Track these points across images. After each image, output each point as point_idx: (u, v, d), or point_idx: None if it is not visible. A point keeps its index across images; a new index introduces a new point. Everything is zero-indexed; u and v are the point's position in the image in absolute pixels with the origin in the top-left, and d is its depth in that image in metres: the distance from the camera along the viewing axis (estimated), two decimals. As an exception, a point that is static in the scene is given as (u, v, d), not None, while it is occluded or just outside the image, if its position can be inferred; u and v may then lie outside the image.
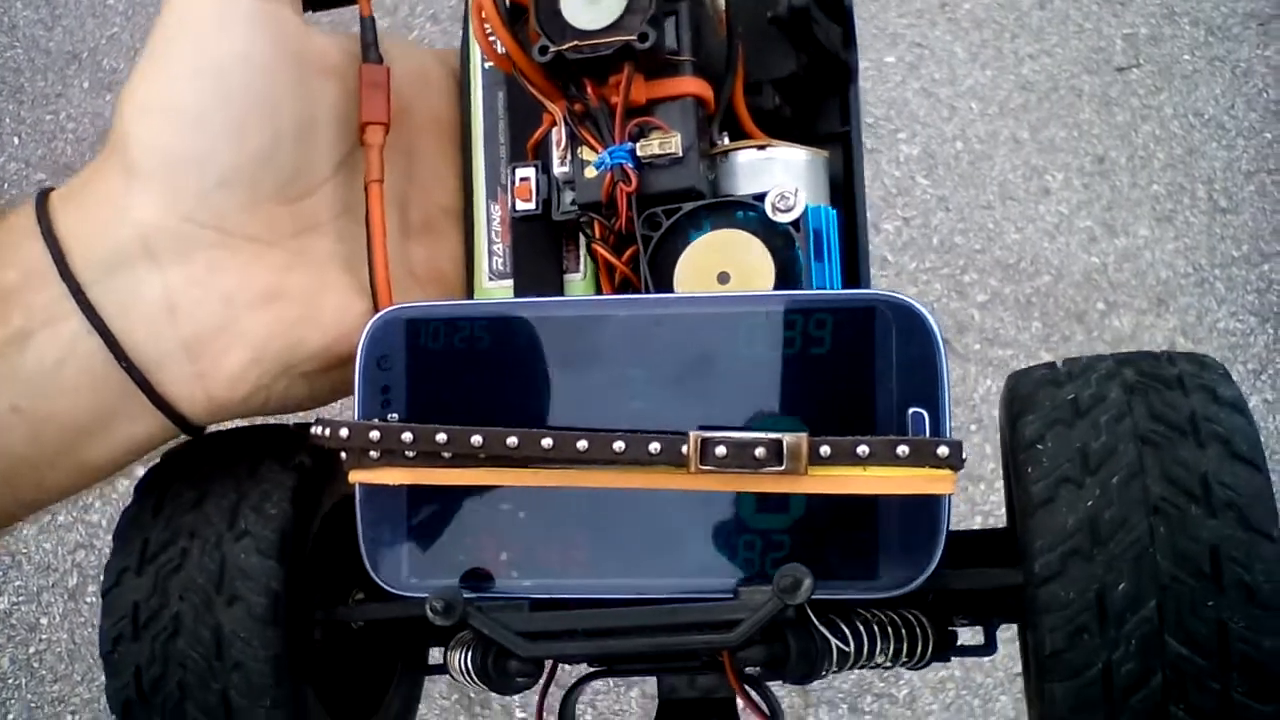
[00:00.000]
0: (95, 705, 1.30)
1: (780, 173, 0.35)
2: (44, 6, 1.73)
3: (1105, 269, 1.45)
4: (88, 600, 1.34)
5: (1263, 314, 1.41)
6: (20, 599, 1.36)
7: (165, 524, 0.36)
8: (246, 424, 0.39)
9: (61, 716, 1.30)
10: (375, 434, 0.33)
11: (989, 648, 0.37)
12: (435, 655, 0.42)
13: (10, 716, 1.31)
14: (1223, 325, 1.42)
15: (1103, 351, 1.39)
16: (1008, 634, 0.37)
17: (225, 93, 0.35)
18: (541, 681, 0.35)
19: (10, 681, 1.33)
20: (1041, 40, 1.59)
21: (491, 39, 0.35)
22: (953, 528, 0.32)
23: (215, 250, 0.35)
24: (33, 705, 1.31)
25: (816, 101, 0.39)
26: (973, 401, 1.38)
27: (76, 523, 1.36)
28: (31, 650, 1.34)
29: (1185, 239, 1.46)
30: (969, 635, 0.37)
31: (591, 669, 0.36)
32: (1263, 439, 0.30)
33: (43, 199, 0.36)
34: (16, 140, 1.64)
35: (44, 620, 1.35)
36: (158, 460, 0.38)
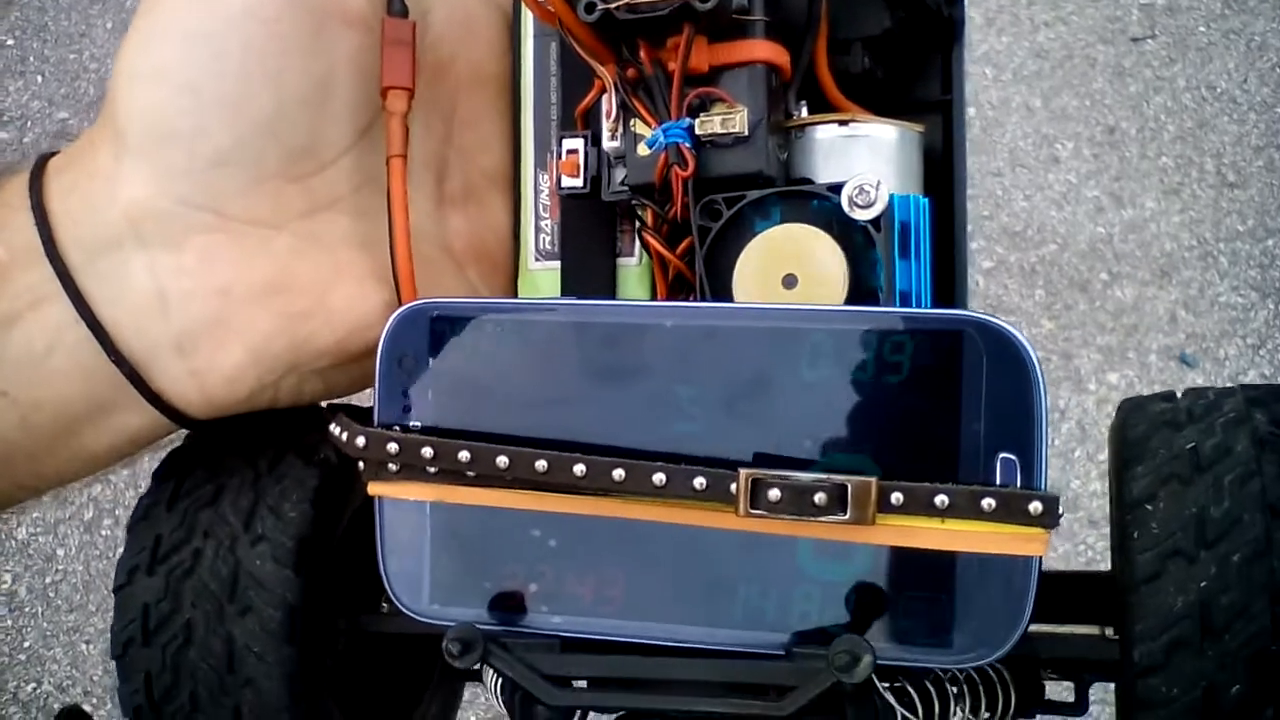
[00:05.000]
0: (109, 636, 1.25)
1: (865, 154, 0.29)
2: (68, -56, 1.65)
3: (1110, 239, 1.39)
4: (102, 533, 1.29)
5: (1264, 289, 1.36)
6: (38, 530, 1.31)
7: (180, 520, 0.31)
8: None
9: (76, 645, 1.26)
10: (394, 446, 0.28)
11: (1080, 707, 0.31)
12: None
13: (27, 644, 1.27)
14: (1224, 299, 1.36)
15: (1104, 320, 1.36)
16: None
17: (221, 55, 0.29)
18: None
19: (27, 610, 1.28)
20: (1058, 8, 1.51)
21: (534, -12, 0.29)
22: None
23: (211, 235, 0.30)
24: (48, 633, 1.27)
25: (913, 62, 0.32)
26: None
27: (91, 460, 1.31)
28: (48, 580, 1.29)
29: (1191, 212, 1.40)
30: (1057, 690, 0.31)
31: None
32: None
33: (39, 168, 0.30)
34: (40, 78, 1.56)
35: (60, 551, 1.30)
36: (177, 444, 0.34)
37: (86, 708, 0.57)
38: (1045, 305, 1.37)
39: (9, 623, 1.28)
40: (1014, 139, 1.45)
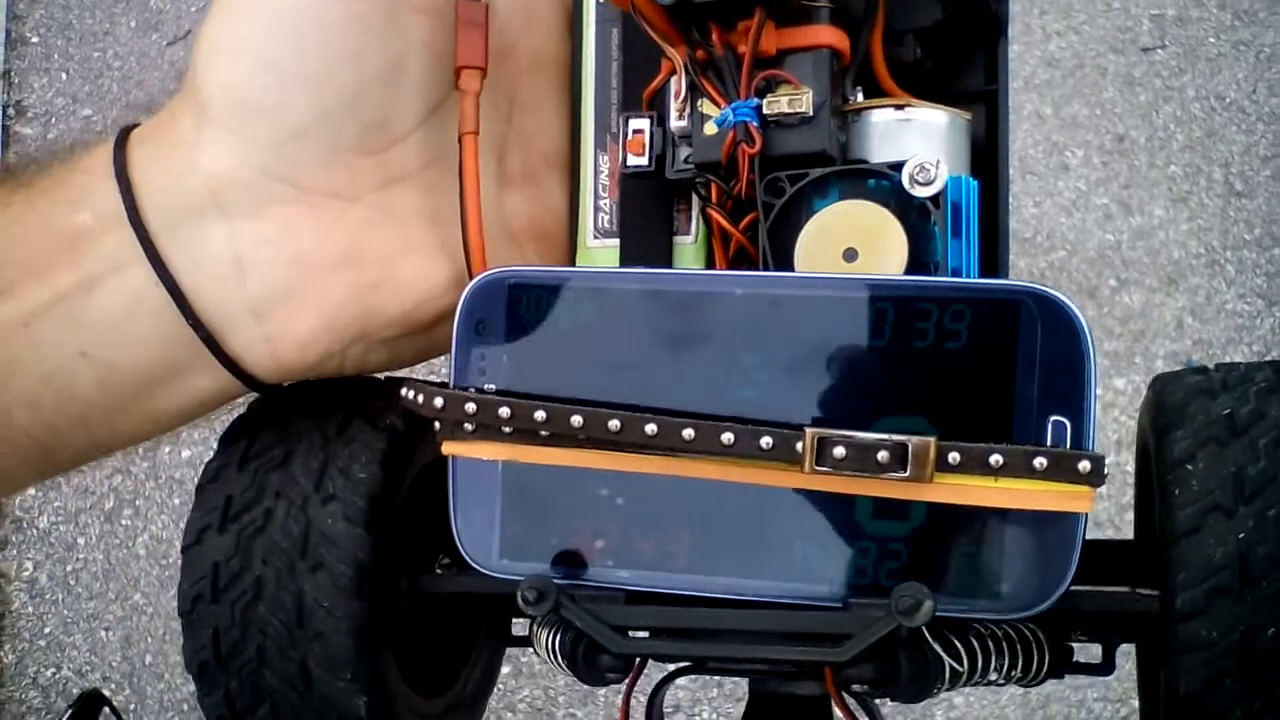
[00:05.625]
0: (128, 623, 1.27)
1: (918, 137, 0.30)
2: (93, -55, 1.66)
3: (1119, 246, 1.41)
4: (123, 523, 1.30)
5: (1270, 297, 1.37)
6: (59, 519, 1.32)
7: (250, 481, 0.32)
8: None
9: (95, 632, 1.27)
10: (471, 406, 0.29)
11: (1107, 667, 0.32)
12: (519, 625, 0.38)
13: (47, 630, 1.28)
14: (1231, 307, 1.37)
15: (1111, 326, 1.37)
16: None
17: (303, 34, 0.30)
18: (630, 676, 0.31)
19: (48, 597, 1.30)
20: (1070, 18, 1.52)
21: (607, -28, 0.30)
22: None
23: (289, 206, 0.31)
24: (69, 620, 1.28)
25: (960, 55, 0.33)
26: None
27: (115, 449, 1.32)
28: (69, 568, 1.30)
29: (1199, 220, 1.41)
30: (1084, 651, 0.32)
31: (681, 664, 0.32)
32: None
33: (123, 137, 0.31)
34: (64, 75, 1.58)
35: (81, 540, 1.31)
36: (244, 410, 0.35)
37: (105, 692, 0.58)
38: (1054, 310, 1.38)
39: (30, 609, 1.29)
40: (1025, 146, 1.46)
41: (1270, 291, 1.38)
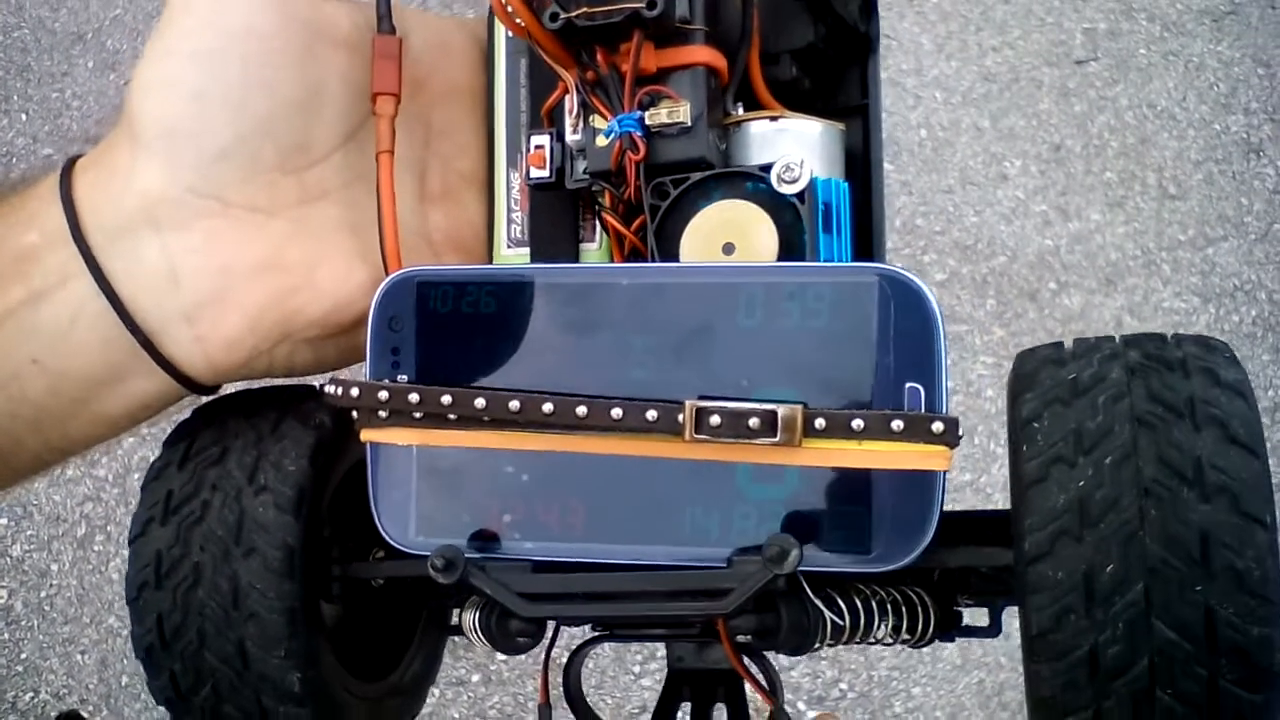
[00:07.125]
0: (103, 646, 1.27)
1: (792, 144, 0.33)
2: (51, -13, 1.68)
3: (1058, 251, 1.44)
4: (95, 549, 1.31)
5: (1205, 294, 1.41)
6: (32, 547, 1.33)
7: (189, 477, 0.34)
8: (273, 384, 0.37)
9: (71, 656, 1.28)
10: (384, 394, 0.32)
11: (994, 629, 0.34)
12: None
13: (24, 655, 1.29)
14: (1167, 305, 1.41)
15: (1053, 328, 1.40)
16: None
17: (223, 68, 0.33)
18: (545, 645, 0.33)
19: (24, 623, 1.30)
20: (1005, 33, 1.56)
21: (506, 6, 0.33)
22: (958, 509, 0.30)
23: (215, 220, 0.34)
24: (44, 645, 1.29)
25: (836, 73, 0.36)
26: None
27: (85, 477, 1.33)
28: (43, 594, 1.31)
29: (1135, 223, 1.45)
30: (975, 616, 0.35)
31: (594, 633, 0.34)
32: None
33: (69, 166, 0.35)
34: (24, 116, 1.59)
35: (54, 567, 1.32)
36: (186, 416, 0.37)
37: (83, 714, 0.60)
38: (996, 314, 1.41)
39: (6, 636, 1.29)
40: (964, 158, 1.49)
41: (1205, 289, 1.41)
